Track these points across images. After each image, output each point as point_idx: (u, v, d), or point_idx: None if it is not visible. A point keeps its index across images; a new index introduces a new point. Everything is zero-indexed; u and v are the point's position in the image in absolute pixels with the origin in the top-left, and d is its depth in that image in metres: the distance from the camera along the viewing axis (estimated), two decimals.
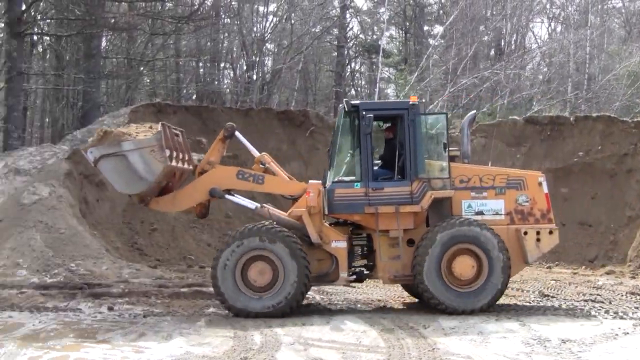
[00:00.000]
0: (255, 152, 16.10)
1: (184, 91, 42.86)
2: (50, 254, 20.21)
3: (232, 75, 45.26)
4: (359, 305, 16.15)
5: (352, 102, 15.75)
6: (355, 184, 15.23)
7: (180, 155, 15.38)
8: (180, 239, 24.55)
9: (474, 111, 17.99)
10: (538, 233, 15.35)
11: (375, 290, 18.28)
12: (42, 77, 38.28)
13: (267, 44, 43.17)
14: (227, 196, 15.70)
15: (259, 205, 15.86)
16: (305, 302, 16.54)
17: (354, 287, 18.00)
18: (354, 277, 15.68)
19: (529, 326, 13.54)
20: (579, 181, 26.26)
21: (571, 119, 27.65)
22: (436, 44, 44.78)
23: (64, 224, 21.36)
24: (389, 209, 15.06)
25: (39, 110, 43.69)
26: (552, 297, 17.31)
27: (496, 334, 12.96)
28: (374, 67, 48.77)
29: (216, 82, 43.10)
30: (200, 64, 44.11)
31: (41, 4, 34.29)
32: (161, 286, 17.85)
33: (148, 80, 44.45)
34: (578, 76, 41.49)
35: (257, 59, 41.32)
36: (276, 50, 44.41)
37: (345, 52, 49.31)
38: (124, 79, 39.38)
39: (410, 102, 15.36)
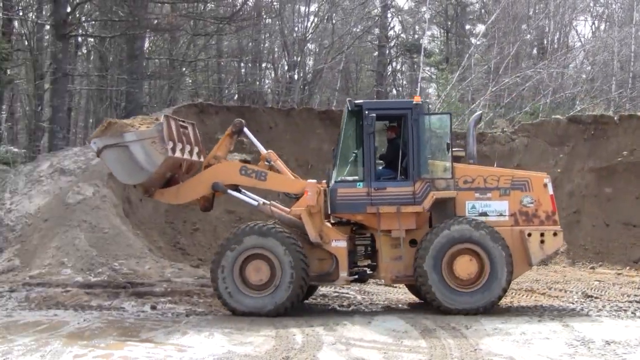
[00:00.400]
0: (262, 149, 16.22)
1: (226, 91, 43.07)
2: (94, 253, 20.46)
3: (273, 75, 45.42)
4: (400, 305, 16.12)
5: (356, 101, 15.76)
6: (358, 183, 15.26)
7: (188, 148, 15.56)
8: (222, 239, 24.64)
9: (480, 112, 17.84)
10: (542, 235, 15.19)
11: None
12: (86, 78, 38.70)
13: (308, 44, 43.22)
14: (229, 191, 15.78)
15: (261, 201, 15.95)
16: (346, 302, 16.58)
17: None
18: (356, 276, 15.72)
19: (572, 327, 13.42)
20: (623, 181, 25.97)
21: (615, 118, 27.33)
22: (478, 42, 44.48)
23: (107, 224, 21.61)
24: (390, 209, 15.04)
25: (83, 110, 44.19)
26: (596, 298, 17.13)
27: (539, 334, 12.86)
28: (415, 66, 48.61)
29: (258, 82, 43.27)
30: (242, 64, 44.30)
31: (86, 6, 34.67)
32: (203, 285, 17.96)
33: (190, 81, 44.72)
34: (622, 74, 40.99)
35: (299, 59, 41.40)
36: (317, 50, 44.44)
37: (387, 52, 49.19)
38: (166, 80, 39.67)
39: (414, 102, 15.33)
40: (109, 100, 37.98)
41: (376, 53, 49.77)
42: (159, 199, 16.37)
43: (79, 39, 37.49)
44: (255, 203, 15.92)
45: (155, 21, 35.26)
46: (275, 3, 42.03)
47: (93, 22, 37.28)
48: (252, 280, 14.95)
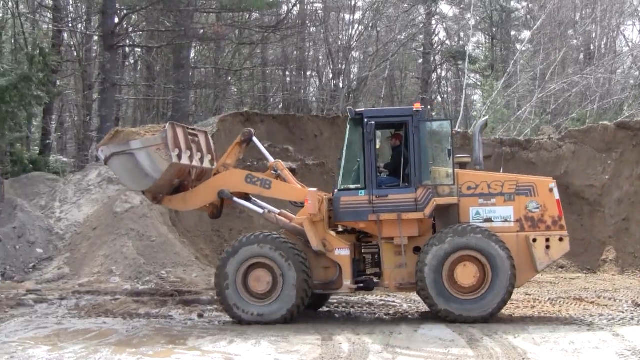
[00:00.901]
0: (270, 158, 16.45)
1: (271, 100, 43.28)
2: (142, 261, 20.70)
3: (318, 83, 45.51)
4: None
5: (357, 109, 15.84)
6: (360, 191, 15.25)
7: (199, 155, 15.78)
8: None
9: (485, 117, 17.69)
10: (548, 240, 15.01)
11: None
12: (133, 88, 39.17)
13: (353, 52, 43.24)
14: (235, 199, 15.90)
15: (266, 210, 16.08)
16: (392, 310, 16.55)
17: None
18: (361, 285, 15.67)
19: (622, 336, 13.25)
20: None
21: None
22: (524, 49, 44.17)
23: (155, 232, 21.84)
24: (391, 216, 15.03)
25: (130, 120, 44.62)
26: None
27: (588, 344, 12.70)
28: (460, 73, 48.37)
29: (302, 91, 43.40)
30: (287, 73, 44.48)
31: (133, 16, 35.12)
32: None
33: (236, 90, 45.02)
34: None
35: (343, 67, 41.44)
36: (362, 58, 44.45)
37: (431, 59, 49.06)
38: (212, 89, 39.99)
39: (414, 109, 15.27)
40: (155, 110, 38.39)
41: (421, 60, 49.67)
42: (167, 206, 16.68)
43: (127, 49, 37.98)
44: (261, 211, 16.09)
45: (201, 31, 35.63)
46: (319, 11, 42.20)
47: (140, 33, 37.74)
48: (255, 289, 15.11)
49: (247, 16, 37.56)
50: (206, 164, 16.13)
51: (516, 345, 12.66)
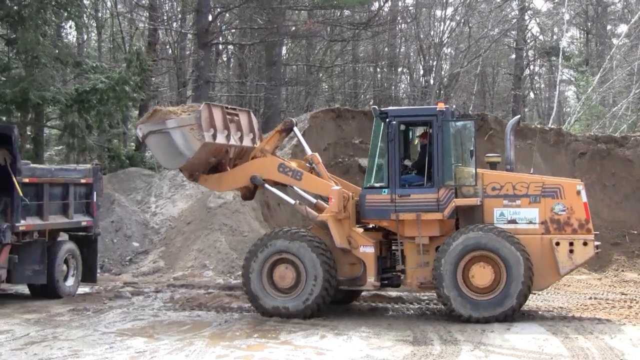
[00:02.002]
0: (308, 150, 16.51)
1: (362, 96, 43.34)
2: (235, 256, 21.00)
3: (409, 79, 45.38)
4: (540, 312, 15.83)
5: (382, 108, 15.88)
6: (383, 190, 15.28)
7: (239, 134, 16.02)
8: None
9: (518, 116, 17.23)
10: (571, 244, 14.61)
11: (557, 297, 17.87)
12: (226, 84, 39.73)
13: (444, 48, 42.98)
14: (267, 185, 16.02)
15: (297, 202, 16.11)
16: None
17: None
18: (386, 282, 15.68)
19: None
20: None
21: None
22: (620, 43, 43.18)
23: (247, 227, 22.12)
24: (410, 216, 15.00)
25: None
26: None
27: None
28: (554, 69, 47.60)
29: (393, 87, 43.34)
30: (378, 69, 44.47)
31: (226, 14, 35.61)
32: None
33: (326, 86, 45.23)
34: None
35: (435, 63, 41.22)
36: (453, 54, 44.16)
37: (524, 55, 48.39)
38: (303, 85, 40.26)
39: (438, 109, 15.13)
40: (248, 107, 38.78)
41: (513, 56, 49.08)
42: (203, 184, 16.98)
43: (220, 46, 38.52)
44: (292, 202, 16.18)
45: (293, 28, 35.93)
46: (411, 8, 42.07)
47: (233, 31, 38.23)
48: (280, 283, 15.29)
49: (339, 13, 37.74)
50: (247, 143, 16.39)
51: (612, 345, 12.42)
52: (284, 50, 40.20)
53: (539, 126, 26.93)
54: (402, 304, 16.83)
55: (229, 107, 16.59)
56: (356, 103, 40.39)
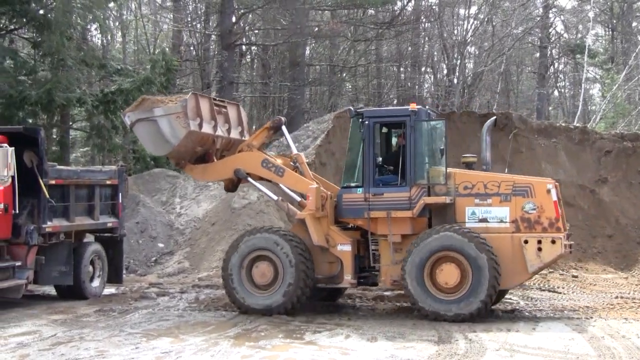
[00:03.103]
0: (294, 149, 16.92)
1: (385, 96, 43.27)
2: None
3: (432, 79, 45.27)
4: (565, 312, 15.77)
5: (358, 109, 16.24)
6: (358, 189, 15.54)
7: (226, 126, 16.47)
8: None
9: (494, 117, 17.31)
10: (539, 242, 14.64)
11: (583, 297, 17.78)
12: (250, 85, 39.83)
13: (468, 47, 42.86)
14: (250, 180, 16.41)
15: (280, 198, 16.44)
16: (509, 307, 16.37)
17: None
18: (362, 280, 15.94)
19: None
20: None
21: None
22: None
23: None
24: (381, 214, 15.24)
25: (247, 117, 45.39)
26: None
27: None
28: (579, 67, 47.33)
29: (417, 87, 43.24)
30: (401, 69, 44.39)
31: (250, 16, 35.70)
32: (365, 289, 18.13)
33: (350, 86, 45.21)
34: None
35: (458, 62, 41.11)
36: (477, 52, 44.01)
37: (548, 53, 48.12)
38: (327, 86, 40.27)
39: (410, 109, 15.35)
40: (271, 107, 38.93)
41: (537, 54, 48.81)
42: (189, 173, 17.40)
43: (243, 47, 38.63)
44: (275, 198, 16.52)
45: (316, 28, 35.92)
46: (434, 7, 41.95)
47: (257, 31, 38.31)
48: (258, 280, 15.64)
49: (362, 13, 37.72)
50: (234, 135, 16.83)
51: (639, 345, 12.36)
52: (307, 50, 40.23)
53: (563, 124, 26.77)
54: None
55: (218, 99, 17.17)
56: (380, 103, 40.33)
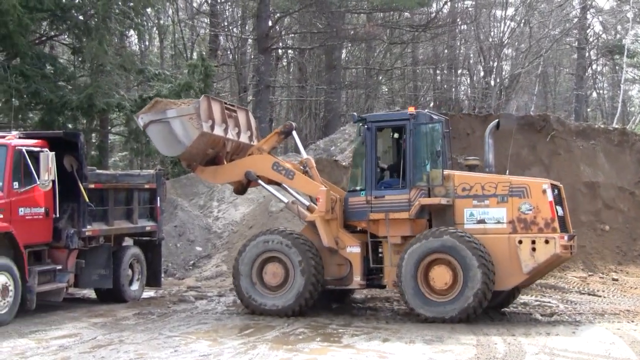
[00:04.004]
0: (303, 154, 17.35)
1: (422, 99, 43.19)
2: None
3: (469, 81, 45.08)
4: (605, 316, 15.62)
5: (361, 115, 16.55)
6: (361, 192, 15.83)
7: (236, 130, 16.74)
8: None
9: (496, 120, 17.22)
10: (533, 242, 14.60)
11: (623, 300, 17.61)
12: (286, 89, 39.94)
13: (504, 49, 42.63)
14: (260, 182, 16.64)
15: (290, 200, 16.74)
16: (548, 310, 16.25)
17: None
18: (372, 281, 16.17)
19: None
20: None
21: None
22: None
23: None
24: (380, 215, 15.51)
25: (283, 121, 45.51)
26: None
27: None
28: (617, 68, 46.86)
29: (453, 89, 43.11)
30: (438, 71, 44.27)
31: (286, 19, 35.81)
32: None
33: (386, 89, 45.17)
34: None
35: (495, 64, 40.91)
36: (514, 54, 43.76)
37: (586, 54, 47.71)
38: (363, 89, 40.28)
39: (409, 113, 15.60)
40: (308, 111, 39.00)
41: (575, 55, 48.41)
42: (199, 175, 17.58)
43: (280, 51, 38.76)
44: (286, 200, 16.81)
45: (353, 31, 35.95)
46: (470, 9, 41.80)
47: (293, 35, 38.42)
48: (269, 281, 15.90)
49: (398, 15, 37.66)
50: (243, 139, 17.10)
51: None
52: (343, 53, 40.29)
53: (602, 126, 26.52)
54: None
55: (228, 103, 17.39)
56: (417, 105, 40.21)
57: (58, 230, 15.97)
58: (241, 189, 17.34)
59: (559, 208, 15.26)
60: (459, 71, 45.27)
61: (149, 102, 17.06)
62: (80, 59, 25.38)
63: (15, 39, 22.56)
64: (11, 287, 14.36)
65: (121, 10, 24.96)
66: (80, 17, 24.72)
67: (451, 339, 13.24)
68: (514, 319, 15.35)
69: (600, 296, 18.18)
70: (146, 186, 18.46)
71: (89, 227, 16.40)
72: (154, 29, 36.14)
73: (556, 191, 15.49)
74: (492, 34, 42.40)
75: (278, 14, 34.68)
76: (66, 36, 26.47)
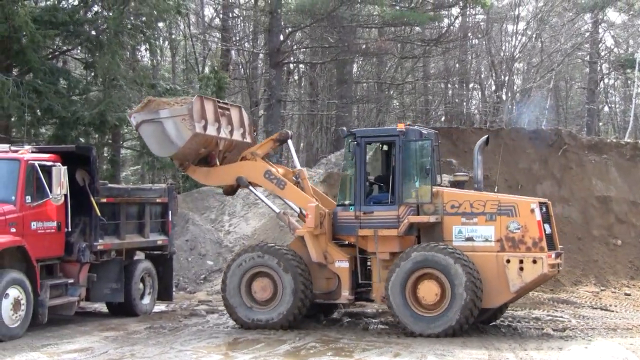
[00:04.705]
0: (297, 165, 17.41)
1: (433, 113, 43.22)
2: None
3: (480, 95, 45.08)
4: (618, 331, 15.56)
5: (351, 130, 16.51)
6: (350, 207, 15.84)
7: (229, 128, 16.70)
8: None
9: (486, 136, 17.18)
10: (521, 262, 14.58)
11: (636, 315, 17.54)
12: (297, 103, 40.04)
13: (516, 63, 42.60)
14: (251, 188, 16.79)
15: (281, 211, 16.91)
16: (560, 325, 16.18)
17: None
18: (361, 296, 16.20)
19: None
20: None
21: None
22: None
23: None
24: (369, 232, 15.52)
25: (295, 135, 45.61)
26: None
27: None
28: (629, 82, 46.77)
29: (465, 103, 43.11)
30: (449, 86, 44.29)
31: (297, 34, 35.92)
32: None
33: (398, 103, 45.21)
34: None
35: (507, 78, 40.90)
36: (526, 68, 43.73)
37: (598, 68, 47.65)
38: (374, 103, 40.35)
39: (398, 129, 15.63)
40: (319, 125, 39.06)
41: (587, 69, 48.34)
42: (191, 175, 17.51)
43: (291, 65, 38.87)
44: (277, 210, 16.98)
45: (364, 46, 36.03)
46: (481, 23, 41.82)
47: (304, 50, 38.53)
48: (258, 296, 15.95)
49: (409, 30, 37.72)
50: (237, 137, 17.08)
51: None
52: (354, 68, 40.37)
53: (614, 140, 26.47)
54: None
55: (221, 101, 17.43)
56: (428, 120, 40.29)
57: (70, 244, 16.01)
58: (231, 190, 17.56)
59: (546, 226, 15.25)
60: (470, 85, 45.28)
61: (141, 102, 17.03)
62: (92, 74, 25.49)
63: (28, 55, 22.68)
64: (23, 301, 14.39)
65: (133, 24, 25.08)
66: (93, 32, 24.84)
67: (462, 353, 13.21)
68: (526, 334, 15.30)
69: (612, 311, 18.11)
70: (158, 200, 18.51)
71: (100, 241, 16.43)
72: (166, 43, 36.30)
73: (544, 209, 15.45)
74: (503, 48, 42.39)
75: (289, 29, 34.79)
76: (79, 50, 26.60)
